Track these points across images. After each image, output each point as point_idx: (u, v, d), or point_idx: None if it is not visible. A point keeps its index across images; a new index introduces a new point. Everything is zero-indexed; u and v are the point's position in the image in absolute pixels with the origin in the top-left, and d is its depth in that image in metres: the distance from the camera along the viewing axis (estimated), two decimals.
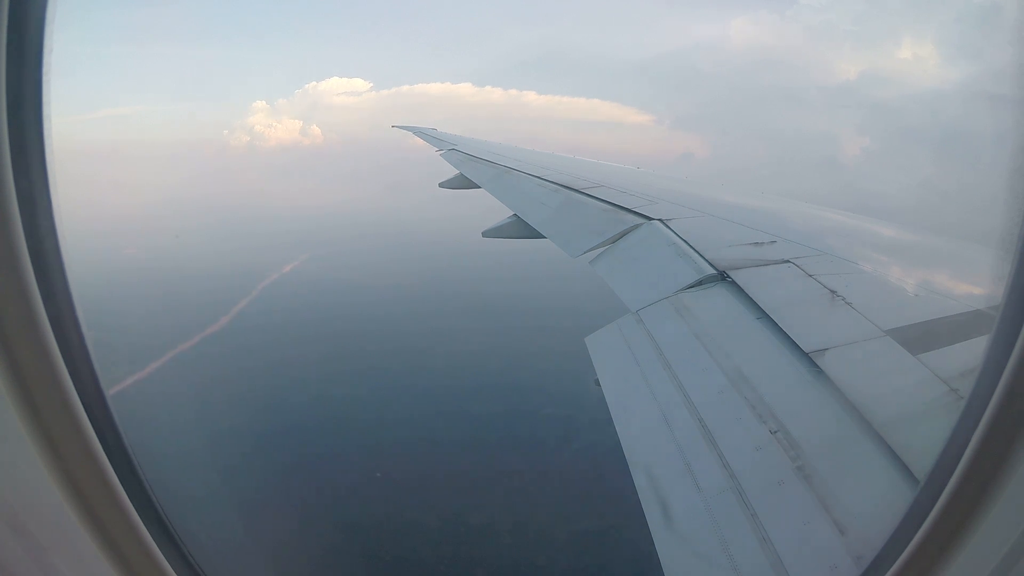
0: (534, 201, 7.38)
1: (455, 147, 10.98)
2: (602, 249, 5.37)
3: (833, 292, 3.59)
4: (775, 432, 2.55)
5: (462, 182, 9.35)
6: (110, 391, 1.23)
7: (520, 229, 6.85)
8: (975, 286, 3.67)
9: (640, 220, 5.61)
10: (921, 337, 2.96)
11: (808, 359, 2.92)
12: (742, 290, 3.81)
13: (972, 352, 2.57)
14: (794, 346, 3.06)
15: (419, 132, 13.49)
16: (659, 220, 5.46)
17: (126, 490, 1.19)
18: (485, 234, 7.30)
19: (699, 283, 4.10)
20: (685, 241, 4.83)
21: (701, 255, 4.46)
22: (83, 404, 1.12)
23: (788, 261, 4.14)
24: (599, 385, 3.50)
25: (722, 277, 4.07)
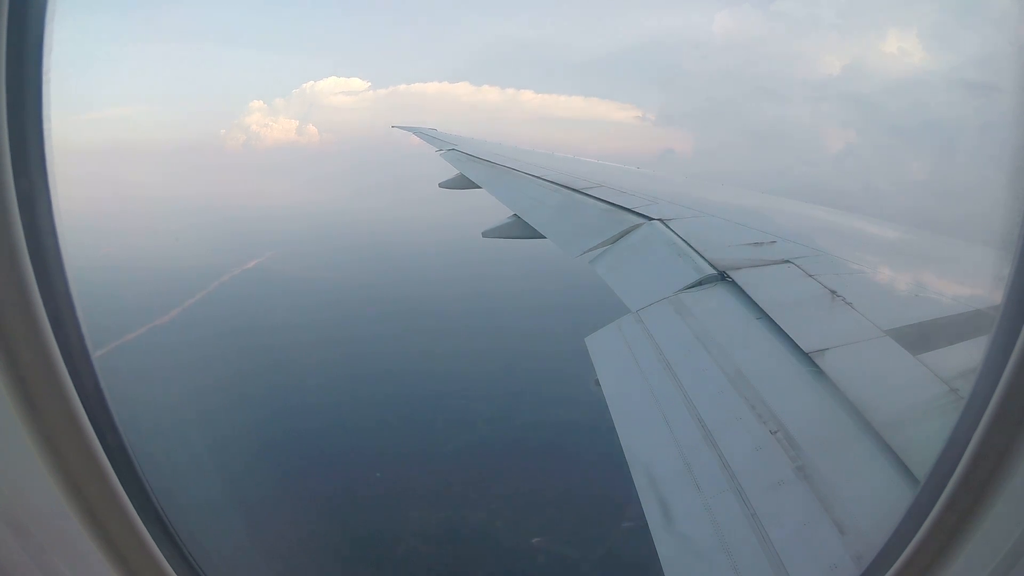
0: (534, 201, 7.38)
1: (455, 147, 10.98)
2: (602, 249, 5.36)
3: (833, 292, 3.59)
4: (775, 432, 2.55)
5: (462, 182, 9.34)
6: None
7: (520, 229, 6.85)
8: (975, 286, 3.67)
9: (640, 220, 5.61)
10: (921, 337, 2.96)
11: (808, 359, 2.92)
12: (742, 290, 3.81)
13: (972, 352, 2.57)
14: (794, 346, 3.06)
15: (419, 132, 13.48)
16: (659, 220, 5.46)
17: (126, 490, 1.19)
18: (485, 234, 7.30)
19: (699, 283, 4.10)
20: (685, 241, 4.83)
21: (701, 255, 4.46)
22: (83, 404, 1.12)
23: (788, 261, 4.14)
24: (599, 385, 3.50)
25: (722, 277, 4.07)
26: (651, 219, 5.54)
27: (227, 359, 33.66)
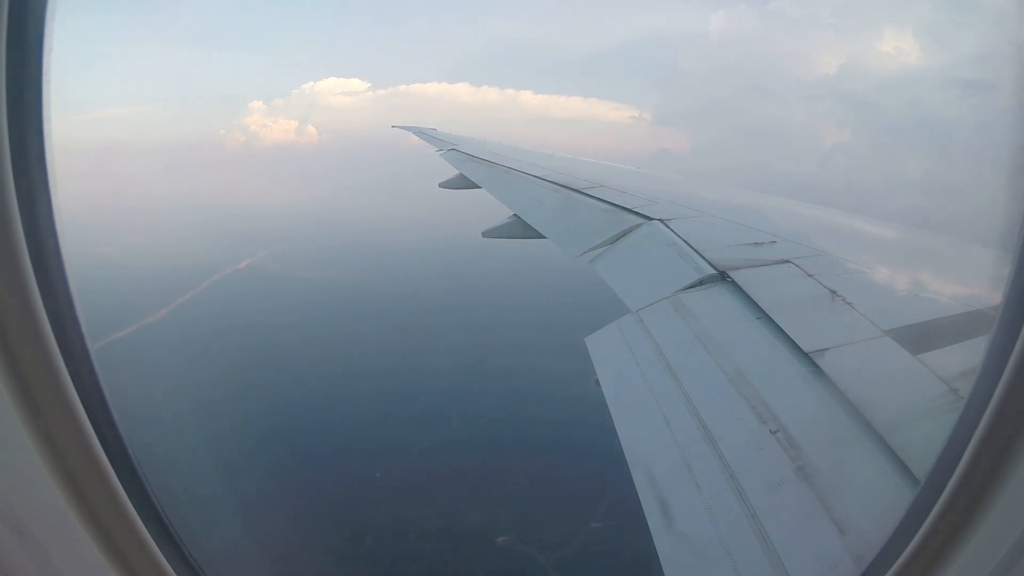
0: (534, 201, 7.37)
1: (455, 147, 10.98)
2: (602, 249, 5.36)
3: (833, 292, 3.59)
4: (775, 432, 2.55)
5: (462, 182, 9.34)
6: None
7: (520, 229, 6.84)
8: (975, 286, 3.67)
9: (640, 220, 5.61)
10: (921, 337, 2.96)
11: (808, 359, 2.92)
12: (742, 290, 3.81)
13: (972, 352, 2.57)
14: (794, 346, 3.06)
15: (419, 132, 13.48)
16: (659, 220, 5.46)
17: (126, 490, 1.19)
18: (485, 234, 7.30)
19: (699, 283, 4.09)
20: (685, 241, 4.82)
21: (701, 255, 4.46)
22: (83, 404, 1.12)
23: (788, 261, 4.14)
24: (599, 385, 3.50)
25: (722, 277, 4.07)
26: (651, 219, 5.54)
27: (215, 358, 33.75)
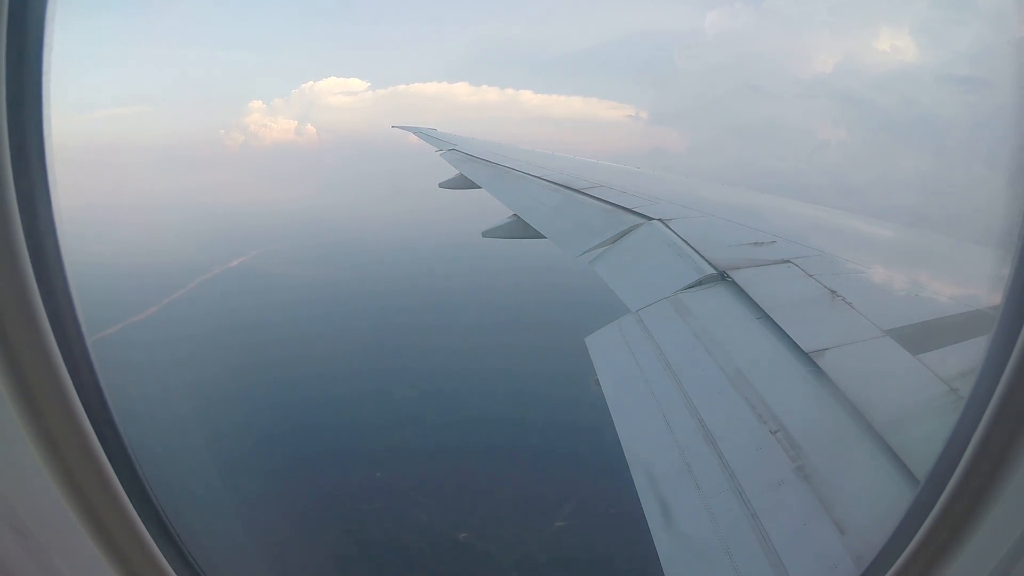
0: (534, 201, 7.37)
1: (455, 147, 10.98)
2: (602, 249, 5.36)
3: (833, 292, 3.59)
4: (775, 432, 2.55)
5: (462, 182, 9.34)
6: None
7: (520, 229, 6.85)
8: (975, 286, 3.67)
9: (640, 220, 5.61)
10: (921, 337, 2.96)
11: (808, 359, 2.92)
12: (742, 290, 3.80)
13: (972, 352, 2.57)
14: (794, 346, 3.06)
15: (419, 132, 13.48)
16: (659, 220, 5.46)
17: (126, 490, 1.19)
18: (485, 234, 7.30)
19: (699, 283, 4.09)
20: (685, 241, 4.82)
21: (701, 255, 4.46)
22: (83, 404, 1.12)
23: (788, 261, 4.14)
24: (599, 385, 3.50)
25: (722, 277, 4.07)
26: (651, 219, 5.53)
27: (202, 357, 33.69)
